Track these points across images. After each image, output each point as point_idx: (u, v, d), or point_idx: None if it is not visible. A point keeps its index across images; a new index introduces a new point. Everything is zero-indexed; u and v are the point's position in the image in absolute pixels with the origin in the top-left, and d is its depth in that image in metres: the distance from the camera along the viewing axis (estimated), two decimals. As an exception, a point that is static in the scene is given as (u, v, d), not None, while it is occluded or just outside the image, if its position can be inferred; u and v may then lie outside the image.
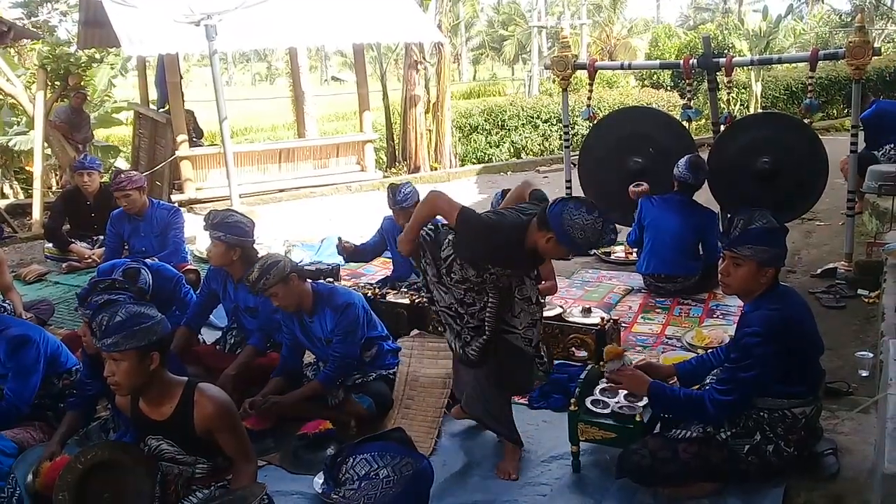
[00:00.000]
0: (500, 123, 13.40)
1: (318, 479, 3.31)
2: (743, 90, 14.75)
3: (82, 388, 3.59)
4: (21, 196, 11.98)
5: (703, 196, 5.90)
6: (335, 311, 3.85)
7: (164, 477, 2.81)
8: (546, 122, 13.51)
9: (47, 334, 3.84)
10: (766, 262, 2.93)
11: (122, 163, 12.51)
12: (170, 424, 2.79)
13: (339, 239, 5.38)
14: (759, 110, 14.25)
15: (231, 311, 4.45)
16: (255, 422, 3.67)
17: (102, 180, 6.89)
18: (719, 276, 3.12)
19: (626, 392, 3.37)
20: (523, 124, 13.46)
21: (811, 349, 3.05)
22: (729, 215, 3.11)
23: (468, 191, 10.74)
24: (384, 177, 11.44)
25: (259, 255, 4.03)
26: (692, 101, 6.56)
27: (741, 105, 14.55)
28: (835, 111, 15.30)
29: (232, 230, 4.12)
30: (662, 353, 4.56)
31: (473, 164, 12.87)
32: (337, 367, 3.83)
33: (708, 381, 3.25)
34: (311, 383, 3.86)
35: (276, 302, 3.79)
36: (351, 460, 1.90)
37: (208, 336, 4.78)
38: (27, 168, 11.66)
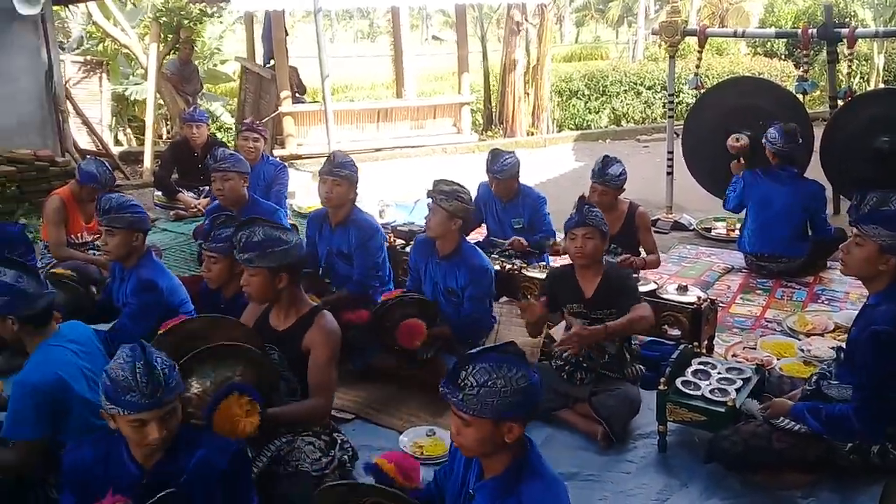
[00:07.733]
0: (600, 89, 13.06)
1: (405, 438, 3.39)
2: (864, 63, 13.87)
3: None
4: (134, 143, 12.54)
5: (815, 176, 5.61)
6: (471, 270, 3.92)
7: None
8: (650, 88, 13.08)
9: (176, 285, 3.78)
10: (889, 248, 2.76)
11: (227, 117, 12.89)
12: (287, 334, 3.02)
13: None
14: (881, 85, 13.39)
15: (325, 255, 4.48)
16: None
17: (209, 132, 7.12)
18: (840, 251, 2.98)
19: (720, 375, 3.29)
20: (625, 90, 13.07)
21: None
22: (841, 196, 2.93)
23: (564, 158, 10.54)
24: (480, 139, 11.38)
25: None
26: (808, 73, 6.22)
27: (861, 78, 13.70)
28: (966, 88, 14.24)
29: (352, 168, 4.27)
30: (761, 336, 4.41)
31: (571, 130, 12.62)
32: (470, 321, 3.97)
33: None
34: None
35: (436, 219, 3.86)
36: (471, 367, 2.05)
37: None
38: (141, 117, 12.19)
